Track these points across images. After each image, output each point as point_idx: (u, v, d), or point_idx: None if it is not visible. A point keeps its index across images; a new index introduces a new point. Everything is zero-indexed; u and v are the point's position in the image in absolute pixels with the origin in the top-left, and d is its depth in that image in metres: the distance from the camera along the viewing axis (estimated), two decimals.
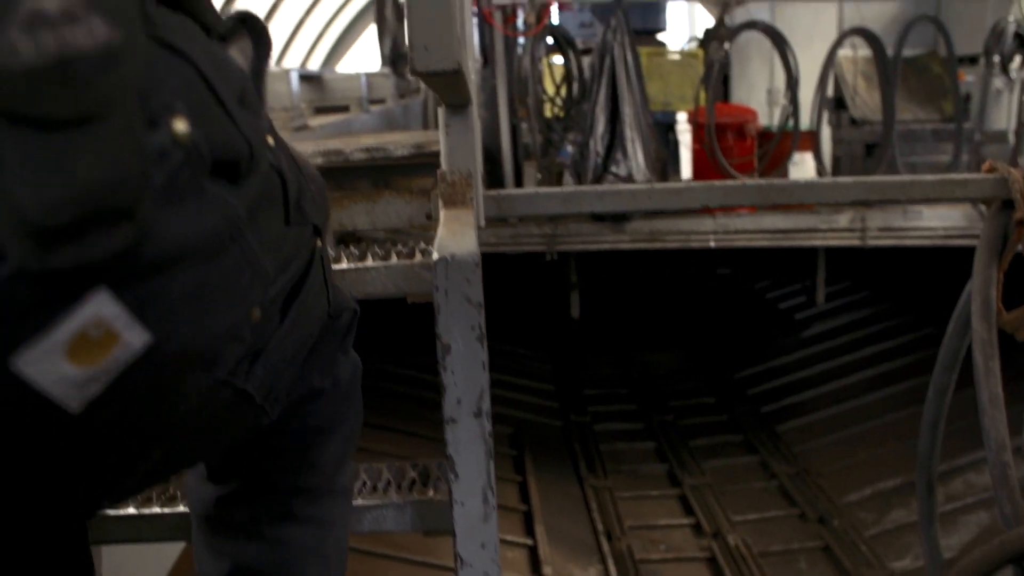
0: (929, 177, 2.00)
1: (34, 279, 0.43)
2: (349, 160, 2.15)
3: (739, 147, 5.09)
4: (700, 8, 8.90)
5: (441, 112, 1.87)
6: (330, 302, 0.87)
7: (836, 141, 5.87)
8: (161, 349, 0.53)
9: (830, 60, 5.25)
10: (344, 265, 1.45)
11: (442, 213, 1.99)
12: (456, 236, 1.47)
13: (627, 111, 4.72)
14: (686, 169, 5.47)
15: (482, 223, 2.06)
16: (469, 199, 2.08)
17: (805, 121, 5.45)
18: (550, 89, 5.69)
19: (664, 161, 5.14)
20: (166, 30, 0.53)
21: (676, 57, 6.92)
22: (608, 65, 4.71)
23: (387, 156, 2.08)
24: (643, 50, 5.60)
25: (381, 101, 6.32)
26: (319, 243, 0.82)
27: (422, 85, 7.20)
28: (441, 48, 1.33)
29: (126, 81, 0.44)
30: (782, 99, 5.76)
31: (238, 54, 0.67)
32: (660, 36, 7.65)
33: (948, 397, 1.97)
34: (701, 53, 6.95)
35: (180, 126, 0.50)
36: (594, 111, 4.75)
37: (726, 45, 7.61)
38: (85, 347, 0.46)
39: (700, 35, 7.74)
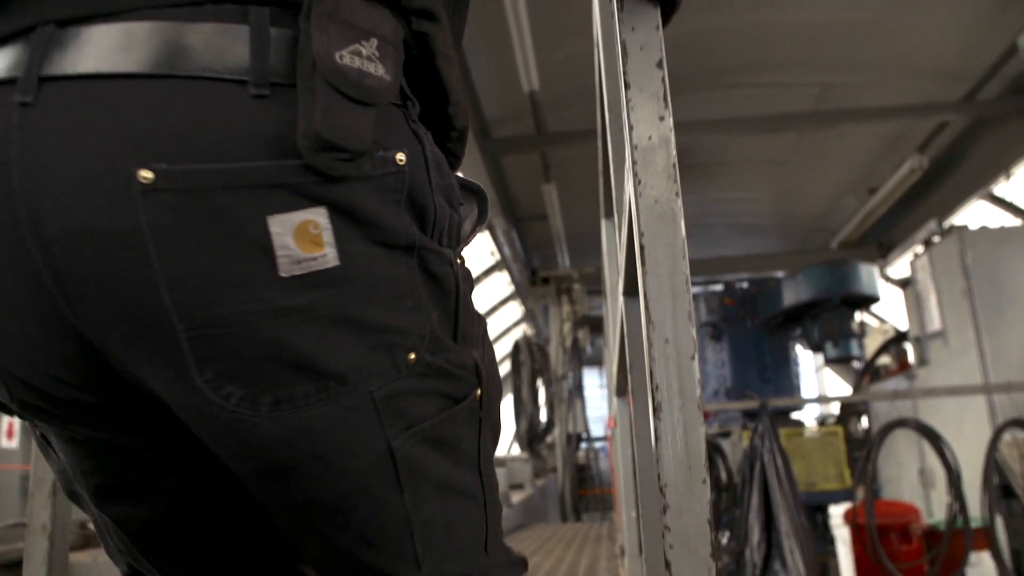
0: None
1: (302, 169, 0.62)
2: None
3: (905, 550, 4.76)
4: (831, 376, 8.97)
5: None
6: None
7: (1011, 532, 5.43)
8: (339, 288, 0.64)
9: (991, 457, 5.03)
10: None
11: None
12: None
13: (782, 518, 4.57)
14: (848, 573, 5.12)
15: None
16: None
17: (972, 513, 5.11)
18: None
19: (825, 564, 4.84)
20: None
21: (815, 435, 6.85)
22: (758, 471, 4.67)
23: None
24: (782, 431, 5.57)
25: (520, 486, 6.41)
26: None
27: (559, 466, 7.31)
28: None
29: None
30: (941, 488, 5.48)
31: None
32: (795, 414, 7.65)
33: None
34: (840, 429, 6.86)
35: (401, 156, 0.66)
36: (747, 518, 4.62)
37: (864, 421, 7.52)
38: (304, 235, 0.62)
39: (835, 409, 7.72)
